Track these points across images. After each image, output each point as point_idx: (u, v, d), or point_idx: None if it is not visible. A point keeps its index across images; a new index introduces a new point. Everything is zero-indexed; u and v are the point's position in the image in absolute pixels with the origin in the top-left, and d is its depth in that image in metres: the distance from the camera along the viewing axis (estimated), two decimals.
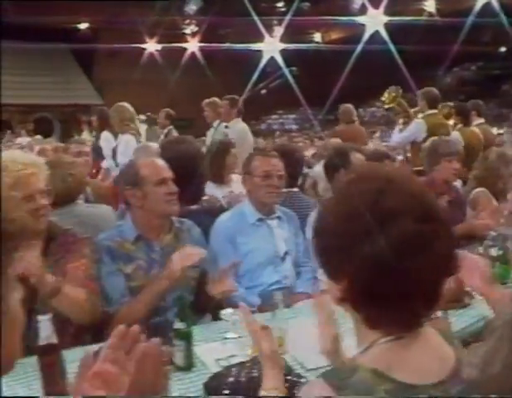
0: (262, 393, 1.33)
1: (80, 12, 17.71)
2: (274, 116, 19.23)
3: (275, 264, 2.66)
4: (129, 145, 5.01)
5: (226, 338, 1.99)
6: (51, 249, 2.08)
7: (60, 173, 2.58)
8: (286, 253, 2.69)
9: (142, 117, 16.57)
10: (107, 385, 0.94)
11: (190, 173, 2.65)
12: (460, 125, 5.97)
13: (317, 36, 20.73)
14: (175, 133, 6.74)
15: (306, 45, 18.88)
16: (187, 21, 18.71)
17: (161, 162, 2.33)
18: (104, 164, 5.44)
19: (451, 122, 6.18)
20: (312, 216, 2.92)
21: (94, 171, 5.31)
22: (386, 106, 6.40)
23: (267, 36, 18.20)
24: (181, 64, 18.93)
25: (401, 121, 5.88)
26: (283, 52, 18.43)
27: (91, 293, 2.03)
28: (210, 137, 6.02)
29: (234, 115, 5.86)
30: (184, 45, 19.26)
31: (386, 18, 13.85)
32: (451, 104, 6.65)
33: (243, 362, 1.67)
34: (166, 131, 6.83)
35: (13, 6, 14.50)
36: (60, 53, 18.49)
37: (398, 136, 5.81)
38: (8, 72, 17.56)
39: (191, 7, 17.05)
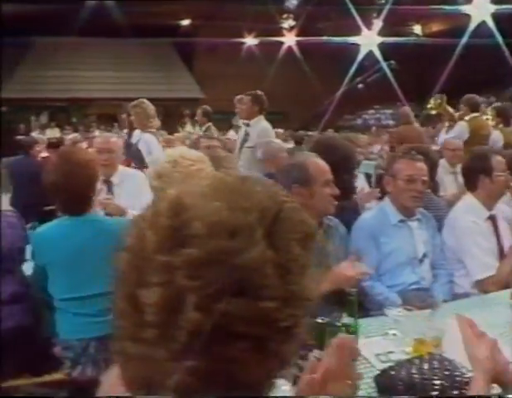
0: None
1: (183, 8, 18.36)
2: (371, 111, 18.93)
3: (413, 265, 2.69)
4: (151, 144, 5.00)
5: (386, 334, 2.06)
6: None
7: (221, 168, 2.67)
8: (424, 255, 2.71)
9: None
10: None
11: (344, 170, 2.72)
12: (501, 125, 6.64)
13: (417, 29, 20.11)
14: (214, 130, 6.57)
15: (405, 38, 18.36)
16: (285, 15, 18.81)
17: (325, 163, 2.42)
18: None
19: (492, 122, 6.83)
20: (450, 218, 2.91)
21: None
22: (432, 112, 7.25)
23: (365, 30, 17.95)
24: (278, 58, 19.13)
25: (446, 124, 6.64)
26: (381, 45, 18.09)
27: None
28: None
29: (257, 113, 5.29)
30: (281, 39, 19.45)
31: (494, 7, 13.05)
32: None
33: (410, 360, 1.74)
34: (204, 128, 6.61)
35: (120, 5, 15.34)
36: (164, 49, 19.25)
37: (443, 137, 6.39)
38: (113, 68, 18.57)
39: (292, 2, 17.11)
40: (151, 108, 5.11)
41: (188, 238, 0.63)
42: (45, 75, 17.47)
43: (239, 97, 5.36)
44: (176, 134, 11.41)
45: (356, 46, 18.64)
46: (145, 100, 5.25)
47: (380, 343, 2.01)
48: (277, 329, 0.65)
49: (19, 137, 13.69)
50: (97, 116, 18.51)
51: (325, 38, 17.69)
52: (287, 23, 19.06)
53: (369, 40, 18.20)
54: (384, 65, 18.19)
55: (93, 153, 2.88)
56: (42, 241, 2.37)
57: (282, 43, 19.59)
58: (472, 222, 2.79)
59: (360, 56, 18.66)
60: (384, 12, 16.64)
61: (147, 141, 4.91)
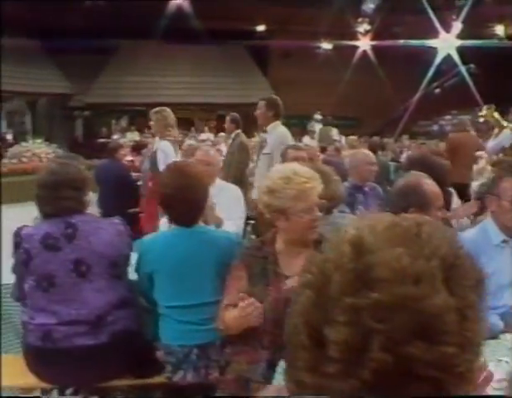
0: None
1: (258, 14, 18.56)
2: (447, 117, 18.34)
3: None
4: (169, 152, 4.95)
5: (499, 361, 2.01)
6: None
7: (329, 184, 2.65)
8: None
9: (318, 116, 16.94)
10: None
11: (441, 189, 2.67)
12: None
13: (499, 29, 19.25)
14: (243, 138, 6.43)
15: (486, 40, 17.64)
16: (360, 19, 18.59)
17: (437, 187, 2.40)
18: None
19: None
20: None
21: None
22: (482, 120, 8.07)
23: (442, 32, 17.44)
24: (352, 63, 18.93)
25: (496, 131, 6.91)
26: (460, 48, 17.51)
27: None
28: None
29: (272, 118, 5.03)
30: (356, 43, 19.24)
31: None
32: None
33: None
34: (233, 136, 6.43)
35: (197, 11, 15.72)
36: (239, 55, 19.55)
37: (490, 143, 6.84)
38: (190, 74, 19.05)
39: (369, 6, 16.90)
40: (171, 117, 5.14)
41: (373, 281, 0.67)
42: (125, 80, 18.21)
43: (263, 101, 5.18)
44: (252, 139, 11.53)
45: (433, 50, 18.16)
46: (167, 109, 5.21)
47: (493, 369, 1.96)
48: (454, 373, 0.67)
49: (104, 140, 14.36)
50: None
51: (401, 41, 17.33)
52: (363, 27, 18.84)
53: (447, 43, 17.69)
54: (462, 68, 17.62)
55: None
56: (150, 250, 2.47)
57: (356, 48, 19.40)
58: None
59: (438, 60, 18.17)
60: (464, 13, 16.11)
61: (164, 149, 4.93)
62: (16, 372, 2.49)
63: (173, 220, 2.48)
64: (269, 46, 21.03)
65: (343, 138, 13.30)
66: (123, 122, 18.92)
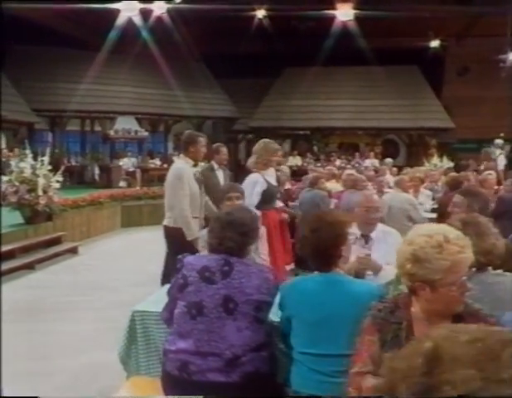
0: None
1: (431, 28, 18.03)
2: None
3: None
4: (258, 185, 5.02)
5: None
6: None
7: (485, 236, 2.51)
8: None
9: (499, 141, 15.66)
10: None
11: None
12: None
13: None
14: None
15: None
16: None
17: None
18: None
19: None
20: None
21: None
22: None
23: None
24: None
25: None
26: None
27: None
28: None
29: None
30: None
31: None
32: None
33: None
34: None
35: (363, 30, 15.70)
36: (410, 74, 19.10)
37: None
38: (354, 97, 19.00)
39: None
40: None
41: None
42: (288, 104, 18.84)
43: None
44: (420, 168, 11.19)
45: None
46: (266, 140, 5.42)
47: None
48: None
49: None
50: (338, 145, 19.21)
51: None
52: None
53: None
54: None
55: (350, 215, 3.03)
56: (292, 294, 2.58)
57: None
58: None
59: None
60: None
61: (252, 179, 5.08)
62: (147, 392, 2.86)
63: (309, 262, 2.60)
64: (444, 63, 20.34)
65: None
66: (286, 146, 19.56)
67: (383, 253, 3.34)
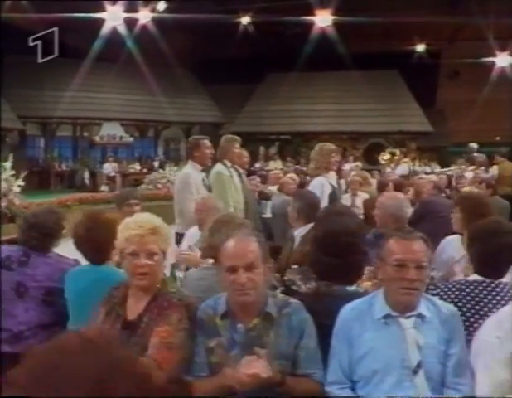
0: None
1: (417, 34, 18.36)
2: None
3: (402, 376, 2.18)
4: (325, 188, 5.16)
5: None
6: (150, 307, 2.39)
7: None
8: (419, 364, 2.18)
9: (473, 145, 15.65)
10: None
11: None
12: None
13: None
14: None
15: None
16: None
17: None
18: None
19: None
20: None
21: None
22: None
23: None
24: None
25: None
26: None
27: (158, 367, 2.14)
28: None
29: None
30: None
31: None
32: None
33: None
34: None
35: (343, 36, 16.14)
36: (390, 78, 19.45)
37: None
38: (335, 101, 19.35)
39: None
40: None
41: None
42: (269, 109, 19.35)
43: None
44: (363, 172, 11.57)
45: None
46: (321, 144, 5.55)
47: None
48: None
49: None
50: None
51: None
52: None
53: None
54: None
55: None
56: (67, 281, 3.12)
57: None
58: None
59: None
60: None
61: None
62: None
63: None
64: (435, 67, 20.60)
65: None
66: (273, 150, 20.09)
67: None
